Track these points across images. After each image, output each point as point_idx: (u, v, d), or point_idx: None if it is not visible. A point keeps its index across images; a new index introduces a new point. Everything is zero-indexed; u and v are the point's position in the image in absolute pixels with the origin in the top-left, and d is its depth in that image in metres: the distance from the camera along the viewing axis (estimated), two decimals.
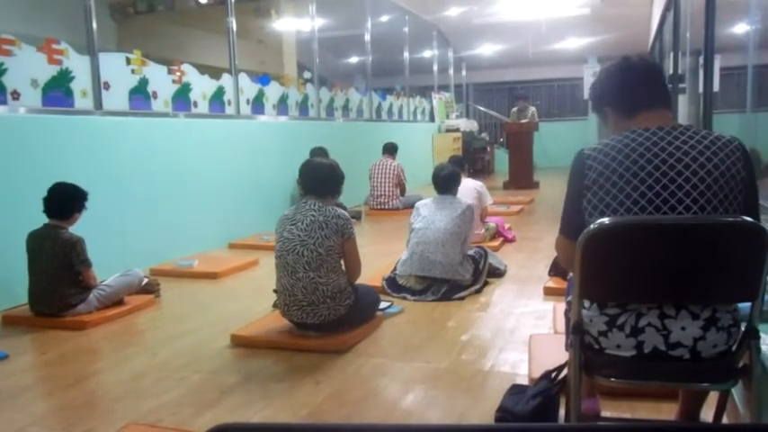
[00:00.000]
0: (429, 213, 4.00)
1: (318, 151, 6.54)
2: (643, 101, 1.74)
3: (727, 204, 1.56)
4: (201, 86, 5.80)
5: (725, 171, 1.57)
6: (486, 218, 5.45)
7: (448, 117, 12.98)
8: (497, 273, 4.30)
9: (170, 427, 2.26)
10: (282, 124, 7.13)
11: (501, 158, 13.13)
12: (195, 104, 5.70)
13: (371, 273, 4.07)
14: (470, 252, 4.07)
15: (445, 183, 4.17)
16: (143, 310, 3.81)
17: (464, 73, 15.07)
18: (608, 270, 1.57)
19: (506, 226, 5.72)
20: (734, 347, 1.60)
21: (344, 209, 3.94)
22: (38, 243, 3.51)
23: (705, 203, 1.55)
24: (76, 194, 3.57)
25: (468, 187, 5.19)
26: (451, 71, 14.12)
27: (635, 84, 1.77)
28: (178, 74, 5.49)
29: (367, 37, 9.61)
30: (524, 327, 3.28)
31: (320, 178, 3.20)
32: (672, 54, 7.23)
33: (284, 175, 6.81)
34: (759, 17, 4.63)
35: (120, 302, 3.74)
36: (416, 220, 4.03)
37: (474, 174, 10.10)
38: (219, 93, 6.05)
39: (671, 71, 7.30)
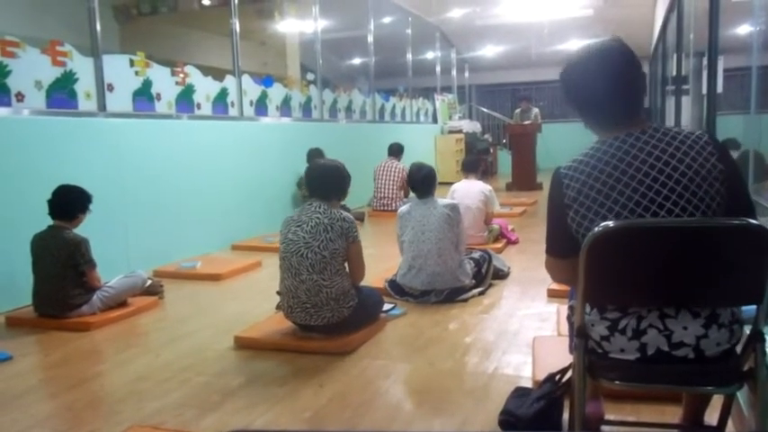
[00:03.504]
0: (415, 224, 3.83)
1: (315, 152, 6.55)
2: (623, 116, 1.67)
3: (708, 200, 1.55)
4: (205, 88, 5.81)
5: (698, 169, 1.56)
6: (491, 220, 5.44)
7: (451, 118, 12.98)
8: (501, 274, 4.29)
9: (173, 429, 2.26)
10: (286, 126, 7.14)
11: (504, 160, 13.12)
12: (199, 106, 5.71)
13: (374, 275, 4.06)
14: (474, 255, 4.06)
15: (424, 185, 3.95)
16: (146, 311, 3.81)
17: (467, 74, 15.07)
18: (612, 273, 1.57)
19: (509, 227, 5.72)
20: (737, 347, 1.60)
21: (348, 210, 3.94)
22: (42, 244, 3.52)
23: (686, 204, 1.55)
24: (80, 196, 3.60)
25: (475, 190, 5.17)
26: (454, 72, 14.13)
27: (616, 97, 1.65)
28: (181, 75, 5.50)
29: (370, 38, 9.62)
30: (528, 329, 3.27)
31: (326, 180, 3.18)
32: (675, 55, 7.22)
33: (287, 176, 6.82)
34: (763, 18, 4.62)
35: (123, 304, 3.75)
36: (404, 232, 3.90)
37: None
38: (223, 94, 6.06)
39: (674, 73, 7.29)
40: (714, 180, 1.57)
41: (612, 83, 1.66)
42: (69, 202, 3.58)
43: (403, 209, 4.00)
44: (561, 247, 1.71)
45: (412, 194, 6.80)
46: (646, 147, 1.61)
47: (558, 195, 1.68)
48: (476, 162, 5.73)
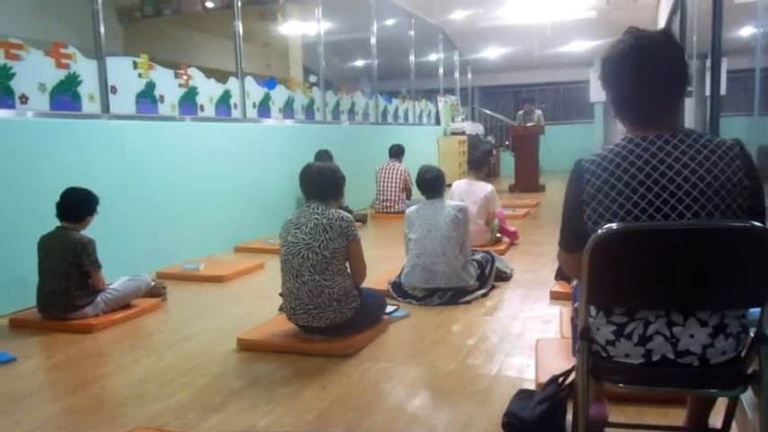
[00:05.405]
0: (423, 222, 3.87)
1: (323, 154, 6.55)
2: (655, 117, 1.61)
3: (730, 214, 1.52)
4: (208, 90, 5.82)
5: (725, 182, 1.51)
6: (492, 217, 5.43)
7: (453, 120, 12.98)
8: (504, 277, 4.29)
9: (176, 431, 2.26)
10: (288, 128, 7.15)
11: (507, 162, 13.12)
12: (202, 108, 5.72)
13: (377, 276, 4.06)
14: (477, 257, 4.05)
15: (432, 186, 4.01)
16: (149, 313, 3.82)
17: (470, 76, 15.07)
18: (615, 276, 1.56)
19: (511, 228, 5.71)
20: (743, 354, 1.59)
21: (350, 212, 3.94)
22: (49, 244, 3.54)
23: (707, 216, 1.51)
24: (89, 199, 3.64)
25: (479, 193, 5.18)
26: (457, 74, 14.14)
27: (650, 98, 1.59)
28: (185, 77, 5.51)
29: (373, 40, 9.63)
30: (531, 331, 3.27)
31: (321, 183, 3.19)
32: None
33: (290, 178, 6.78)
34: (767, 20, 4.61)
35: (126, 306, 3.76)
36: (411, 230, 3.93)
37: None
38: (226, 96, 6.07)
39: None
40: (738, 195, 1.52)
41: (649, 83, 1.58)
42: (77, 205, 3.61)
43: (412, 208, 4.04)
44: (574, 242, 1.63)
45: (415, 196, 6.72)
46: (674, 152, 1.55)
47: (577, 189, 1.63)
48: (482, 160, 5.66)
